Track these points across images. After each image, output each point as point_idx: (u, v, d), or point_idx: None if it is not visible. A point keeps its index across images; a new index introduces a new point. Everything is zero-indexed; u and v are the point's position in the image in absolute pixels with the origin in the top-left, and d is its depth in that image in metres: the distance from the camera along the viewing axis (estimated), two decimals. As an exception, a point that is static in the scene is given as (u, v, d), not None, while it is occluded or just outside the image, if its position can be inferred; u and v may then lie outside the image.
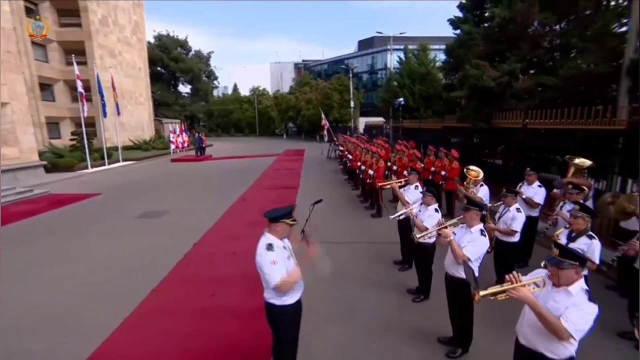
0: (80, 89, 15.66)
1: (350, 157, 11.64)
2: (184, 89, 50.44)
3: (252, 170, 15.05)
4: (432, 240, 3.95)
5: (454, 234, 3.14)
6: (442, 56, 15.51)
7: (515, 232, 4.17)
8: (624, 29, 7.85)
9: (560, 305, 1.98)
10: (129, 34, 26.61)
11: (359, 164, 9.43)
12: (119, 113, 19.21)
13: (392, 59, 28.23)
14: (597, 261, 3.25)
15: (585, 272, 2.11)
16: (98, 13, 22.61)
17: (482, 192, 5.35)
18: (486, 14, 11.17)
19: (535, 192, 5.07)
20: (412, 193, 4.95)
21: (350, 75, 34.08)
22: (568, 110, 6.72)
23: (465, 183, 5.58)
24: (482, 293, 2.08)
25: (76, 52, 18.46)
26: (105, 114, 17.60)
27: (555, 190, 5.15)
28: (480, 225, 3.15)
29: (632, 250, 3.37)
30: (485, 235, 3.07)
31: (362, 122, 33.95)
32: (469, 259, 2.92)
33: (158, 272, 5.03)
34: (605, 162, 5.88)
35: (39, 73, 19.91)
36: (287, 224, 2.55)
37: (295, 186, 11.46)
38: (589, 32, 8.24)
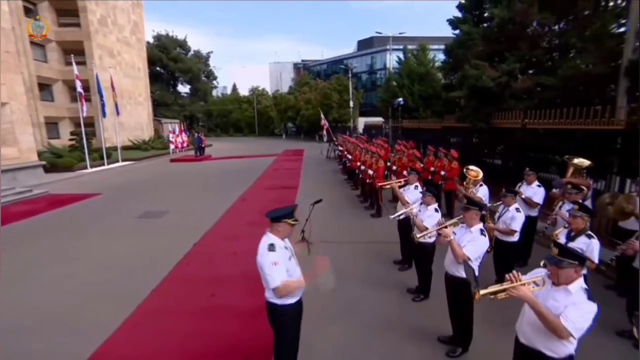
0: (79, 89, 15.64)
1: (349, 157, 11.65)
2: (183, 89, 50.45)
3: (251, 170, 15.05)
4: (432, 239, 3.96)
5: (454, 233, 3.15)
6: (441, 56, 15.54)
7: (515, 231, 4.18)
8: (622, 29, 7.89)
9: (560, 304, 2.00)
10: (128, 34, 26.57)
11: (358, 164, 9.44)
12: (118, 113, 19.17)
13: (392, 59, 28.27)
14: (596, 260, 3.27)
15: (584, 271, 2.12)
16: (97, 13, 22.57)
17: (482, 192, 5.37)
18: (485, 14, 11.21)
19: (535, 191, 5.09)
20: (412, 193, 4.96)
21: (350, 75, 34.09)
22: (567, 110, 6.74)
23: (464, 183, 5.59)
24: (482, 292, 2.09)
25: (75, 52, 18.43)
26: (104, 114, 17.58)
27: (554, 190, 5.18)
28: (480, 225, 3.16)
29: (630, 249, 3.39)
30: (485, 235, 3.08)
31: (362, 122, 34.00)
32: (469, 259, 2.93)
33: (158, 272, 5.03)
34: (603, 162, 5.91)
35: (37, 73, 19.87)
36: (288, 223, 2.55)
37: (295, 186, 11.46)
38: (587, 32, 8.28)
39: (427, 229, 3.78)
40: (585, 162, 5.20)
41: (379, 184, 6.58)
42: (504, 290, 2.06)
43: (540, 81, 8.90)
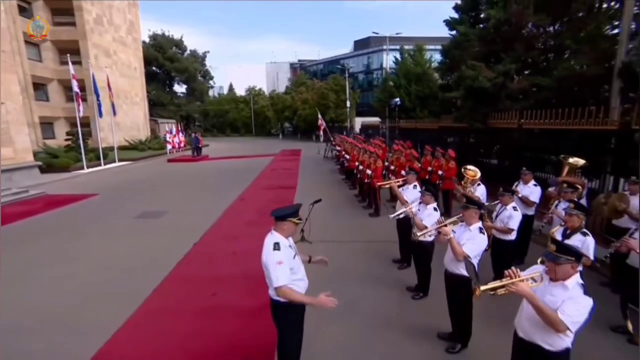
0: (76, 88, 15.53)
1: (347, 157, 11.70)
2: (180, 88, 50.21)
3: (249, 170, 15.04)
4: (432, 238, 4.01)
5: (454, 232, 3.20)
6: (437, 56, 15.65)
7: (512, 230, 4.24)
8: (615, 31, 8.01)
9: (557, 299, 2.05)
10: (124, 33, 26.41)
11: (356, 163, 9.49)
12: (114, 113, 19.05)
13: (388, 59, 28.38)
14: (591, 257, 3.34)
15: (580, 267, 2.18)
16: (93, 12, 22.41)
17: (480, 192, 5.45)
18: (481, 15, 11.29)
19: (531, 190, 5.16)
20: (411, 192, 5.01)
21: (347, 75, 34.14)
22: (562, 110, 6.85)
23: (462, 182, 5.66)
24: (482, 288, 2.14)
25: (70, 51, 18.27)
26: (100, 114, 17.46)
27: (550, 189, 5.26)
28: (479, 223, 3.21)
29: (624, 247, 3.46)
30: (483, 233, 3.14)
31: (359, 122, 34.04)
32: (469, 256, 2.98)
33: (158, 272, 5.03)
34: (598, 161, 6.01)
35: (32, 72, 19.70)
36: (293, 222, 2.58)
37: (293, 186, 11.49)
38: (582, 34, 8.40)
39: (426, 227, 3.83)
40: (580, 162, 5.29)
41: (378, 184, 6.62)
42: (503, 286, 2.11)
43: (536, 82, 9.01)
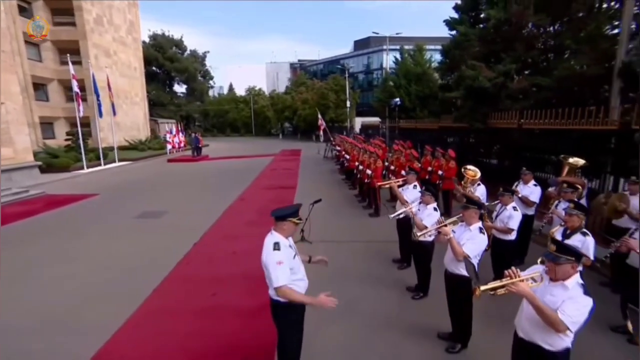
0: (76, 88, 15.53)
1: (347, 157, 11.70)
2: (180, 88, 50.19)
3: (249, 170, 15.04)
4: (432, 238, 4.01)
5: (454, 232, 3.20)
6: (438, 56, 15.64)
7: (512, 230, 4.24)
8: (615, 31, 8.00)
9: (557, 299, 2.05)
10: (124, 33, 26.40)
11: (356, 163, 9.49)
12: (114, 113, 19.05)
13: (388, 59, 28.38)
14: (591, 257, 3.34)
15: (580, 267, 2.18)
16: (93, 12, 22.40)
17: (480, 192, 5.44)
18: (482, 16, 11.29)
19: (531, 190, 5.16)
20: (411, 192, 5.01)
21: (347, 75, 34.14)
22: (562, 110, 6.85)
23: (462, 182, 5.66)
24: (482, 288, 2.14)
25: (70, 51, 18.27)
26: (100, 114, 17.46)
27: (550, 189, 5.26)
28: (479, 223, 3.21)
29: (624, 246, 3.46)
30: (483, 233, 3.14)
31: (359, 122, 34.05)
32: (469, 256, 2.98)
33: (158, 272, 5.03)
34: (598, 161, 6.01)
35: (32, 72, 19.68)
36: (293, 222, 2.58)
37: (293, 186, 11.48)
38: (582, 34, 8.40)
39: (426, 227, 3.83)
40: (580, 162, 5.29)
41: (378, 184, 6.62)
42: (503, 286, 2.11)
43: (536, 82, 9.01)
